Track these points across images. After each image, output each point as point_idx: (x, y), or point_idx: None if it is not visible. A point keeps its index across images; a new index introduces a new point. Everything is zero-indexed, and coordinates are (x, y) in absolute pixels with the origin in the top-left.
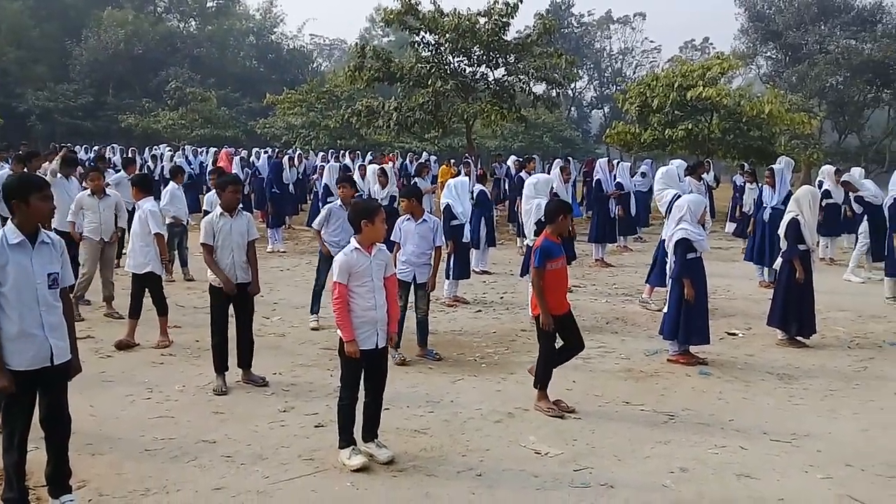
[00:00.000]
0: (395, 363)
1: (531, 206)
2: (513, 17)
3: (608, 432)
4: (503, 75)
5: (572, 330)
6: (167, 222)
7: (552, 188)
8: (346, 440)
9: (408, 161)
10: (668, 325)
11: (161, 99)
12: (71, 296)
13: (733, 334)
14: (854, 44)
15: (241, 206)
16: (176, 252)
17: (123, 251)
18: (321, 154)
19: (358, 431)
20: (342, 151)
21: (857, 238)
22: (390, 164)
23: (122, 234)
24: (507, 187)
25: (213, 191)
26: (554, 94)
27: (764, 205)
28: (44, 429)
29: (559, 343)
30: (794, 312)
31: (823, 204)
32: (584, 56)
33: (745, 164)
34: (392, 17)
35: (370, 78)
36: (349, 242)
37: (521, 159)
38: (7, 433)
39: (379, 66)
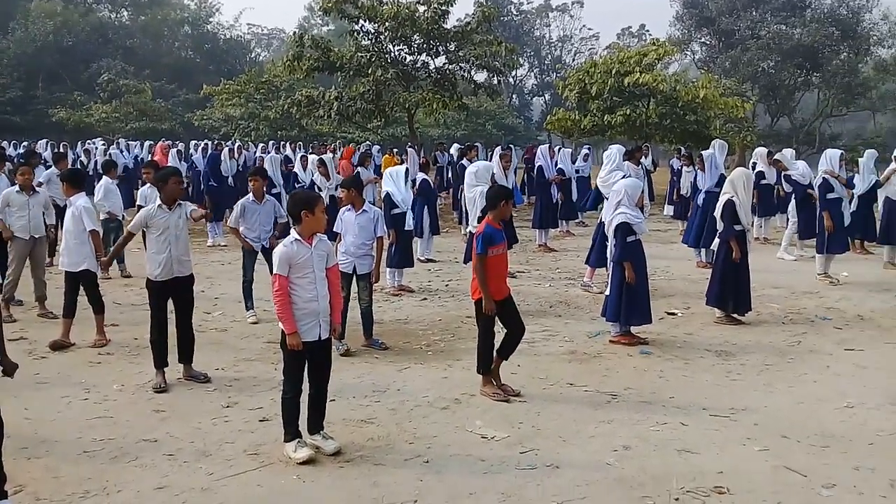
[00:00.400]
0: (340, 354)
1: (474, 194)
2: (452, 6)
3: (553, 414)
4: (444, 63)
5: (512, 314)
6: (102, 218)
7: (493, 175)
8: (292, 433)
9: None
10: (610, 307)
11: (93, 92)
12: None
13: (673, 314)
14: (784, 29)
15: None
16: (112, 248)
17: (57, 249)
18: (260, 145)
19: (303, 424)
20: (283, 143)
21: (787, 218)
22: (331, 154)
23: (56, 232)
24: (450, 175)
25: (147, 185)
26: (495, 81)
27: (698, 189)
28: None
29: (502, 331)
30: (730, 291)
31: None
32: (524, 44)
33: (682, 148)
34: (330, 5)
35: (310, 67)
36: (268, 234)
37: (463, 147)
38: None
39: (318, 55)
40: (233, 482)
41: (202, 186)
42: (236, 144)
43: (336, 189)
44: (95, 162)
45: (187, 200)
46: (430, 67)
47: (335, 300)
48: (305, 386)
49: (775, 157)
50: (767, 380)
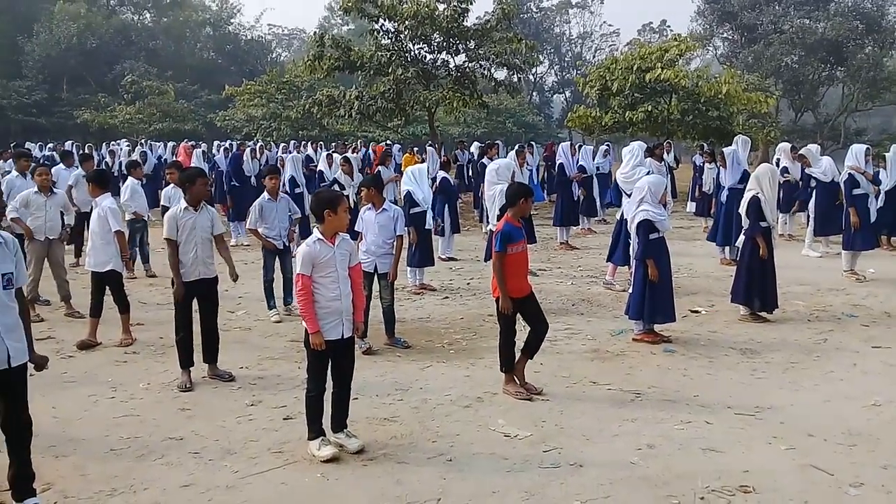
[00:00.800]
0: (362, 352)
1: (494, 192)
2: (472, 3)
3: (576, 412)
4: (464, 62)
5: (535, 312)
6: (127, 218)
7: (513, 173)
8: (315, 431)
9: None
10: (633, 305)
11: (117, 93)
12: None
13: (696, 312)
14: (808, 23)
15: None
16: (137, 248)
17: (83, 249)
18: (282, 145)
19: (327, 422)
20: (304, 142)
21: (807, 215)
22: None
23: (82, 232)
24: (470, 173)
25: (171, 185)
26: (515, 79)
27: (721, 186)
28: (4, 432)
29: (525, 328)
30: (757, 288)
31: (782, 181)
32: (544, 41)
33: (705, 145)
34: (350, 4)
35: (330, 67)
36: (287, 231)
37: (483, 145)
38: None
39: (339, 54)
40: (257, 480)
41: (225, 187)
42: (258, 144)
43: (356, 187)
44: (120, 163)
45: (210, 200)
46: (450, 66)
47: (358, 299)
48: (329, 384)
49: (801, 151)
50: (793, 378)
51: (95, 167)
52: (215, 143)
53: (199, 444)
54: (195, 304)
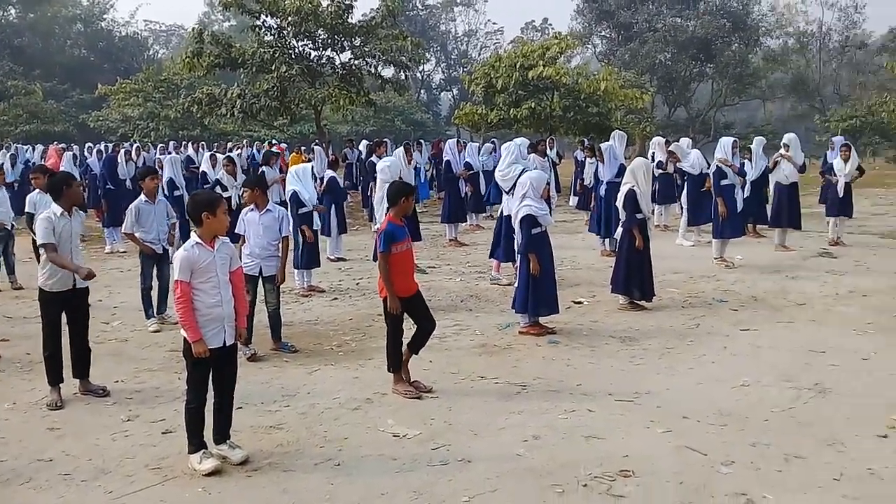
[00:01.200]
0: (247, 359)
1: (384, 192)
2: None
3: (465, 408)
4: (350, 59)
5: (422, 310)
6: None
7: (400, 171)
8: (196, 444)
9: (254, 150)
10: (518, 298)
11: None
12: None
13: (579, 303)
14: (679, 21)
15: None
16: (2, 259)
17: None
18: (160, 146)
19: (209, 434)
20: (185, 142)
21: (680, 206)
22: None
23: None
24: (359, 172)
25: (36, 191)
26: (402, 76)
27: (600, 180)
28: None
29: (413, 327)
30: (635, 278)
31: (656, 174)
32: (430, 39)
33: (585, 140)
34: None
35: (210, 64)
36: (165, 235)
37: (372, 143)
38: None
39: (219, 51)
40: (133, 499)
41: (99, 191)
42: (134, 146)
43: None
44: None
45: (83, 206)
46: (336, 63)
47: (240, 304)
48: (211, 395)
49: (671, 147)
50: (669, 363)
51: None
52: (87, 145)
53: (70, 464)
54: (64, 318)
